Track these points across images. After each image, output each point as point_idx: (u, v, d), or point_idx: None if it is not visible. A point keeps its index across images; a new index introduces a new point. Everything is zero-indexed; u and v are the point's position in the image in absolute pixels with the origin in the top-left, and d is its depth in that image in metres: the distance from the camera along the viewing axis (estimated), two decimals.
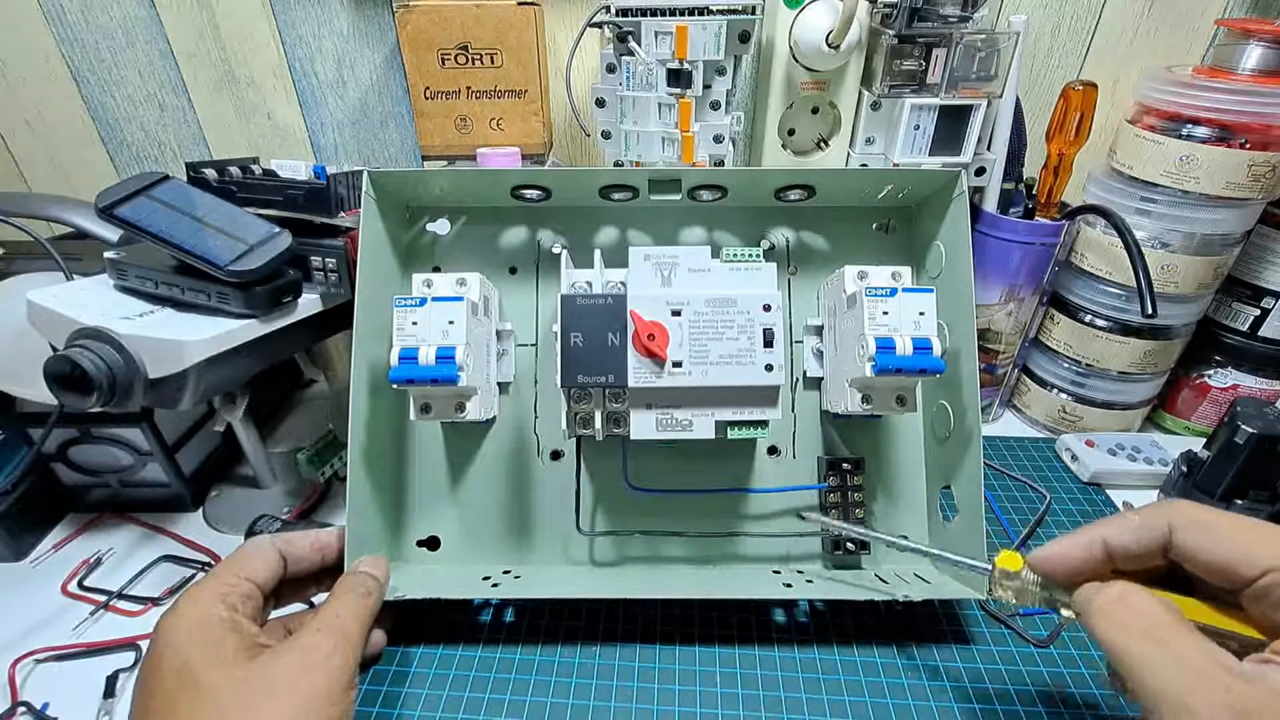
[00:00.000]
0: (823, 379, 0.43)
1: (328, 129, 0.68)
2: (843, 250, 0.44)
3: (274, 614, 0.35)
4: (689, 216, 0.44)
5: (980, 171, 0.54)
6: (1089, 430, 0.58)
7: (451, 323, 0.36)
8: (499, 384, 0.43)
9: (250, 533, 0.44)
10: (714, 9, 0.47)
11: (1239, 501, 0.45)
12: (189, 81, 0.66)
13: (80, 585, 0.44)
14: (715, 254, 0.37)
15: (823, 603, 0.42)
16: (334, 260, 0.44)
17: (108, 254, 0.42)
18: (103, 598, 0.43)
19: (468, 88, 0.56)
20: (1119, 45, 0.60)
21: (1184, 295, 0.51)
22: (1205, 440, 0.48)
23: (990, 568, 0.31)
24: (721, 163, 0.52)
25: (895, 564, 0.43)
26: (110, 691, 0.38)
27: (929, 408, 0.43)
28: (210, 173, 0.47)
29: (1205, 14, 0.58)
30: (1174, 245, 0.50)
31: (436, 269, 0.44)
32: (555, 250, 0.44)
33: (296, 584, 0.36)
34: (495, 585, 0.40)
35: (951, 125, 0.51)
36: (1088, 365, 0.56)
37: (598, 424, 0.37)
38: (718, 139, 0.51)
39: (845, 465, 0.42)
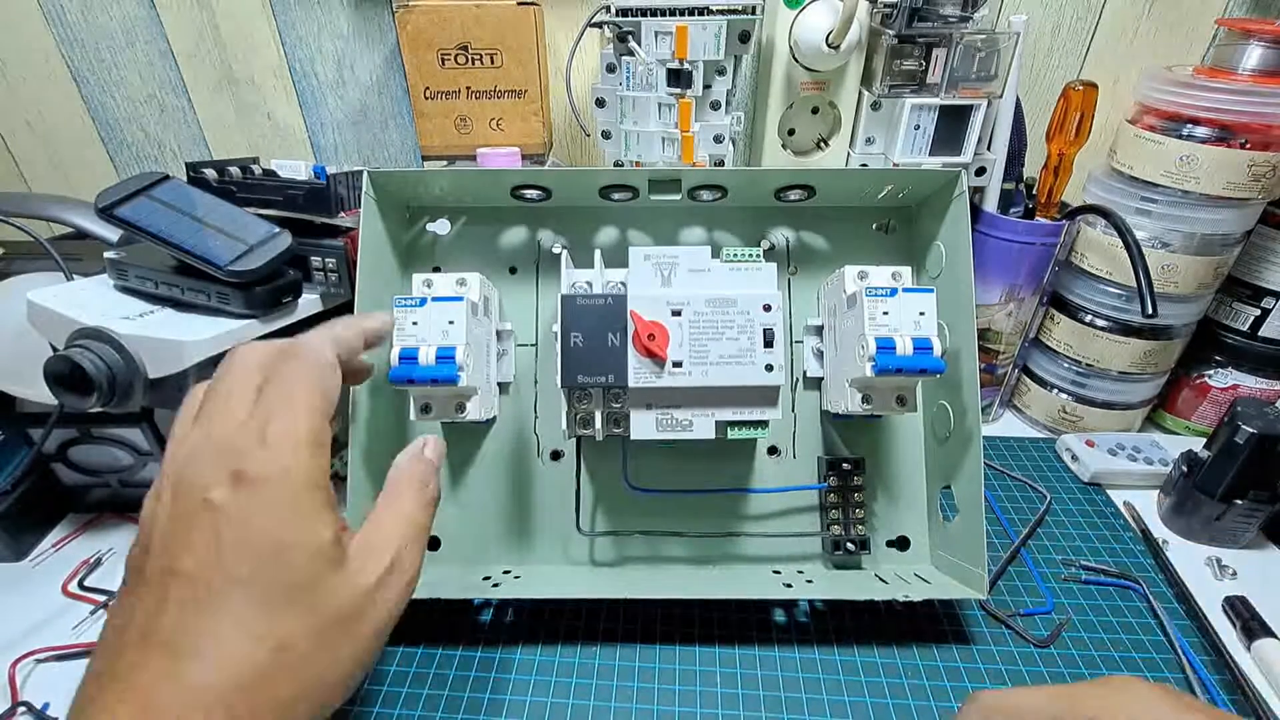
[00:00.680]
0: (823, 379, 0.43)
1: (328, 129, 0.68)
2: (843, 250, 0.44)
3: None
4: (689, 216, 0.44)
5: (980, 171, 0.54)
6: (1089, 430, 0.58)
7: (451, 323, 0.36)
8: (499, 384, 0.43)
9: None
10: (714, 9, 0.47)
11: (1239, 501, 0.45)
12: (189, 81, 0.66)
13: (80, 585, 0.44)
14: (715, 254, 0.37)
15: (823, 603, 0.42)
16: (334, 260, 0.44)
17: (108, 254, 0.42)
18: (103, 598, 0.43)
19: (468, 88, 0.56)
20: (1119, 45, 0.60)
21: (1184, 295, 0.51)
22: (1205, 440, 0.48)
23: None
24: (721, 163, 0.52)
25: (895, 564, 0.43)
26: None
27: (929, 408, 0.43)
28: (210, 173, 0.47)
29: (1205, 14, 0.58)
30: (1174, 245, 0.50)
31: (436, 269, 0.44)
32: (555, 250, 0.44)
33: None
34: (495, 585, 0.40)
35: (951, 125, 0.51)
36: (1088, 365, 0.56)
37: (598, 424, 0.37)
38: (718, 139, 0.51)
39: (845, 465, 0.42)
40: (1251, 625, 0.41)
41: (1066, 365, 0.57)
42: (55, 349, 0.37)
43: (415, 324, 0.36)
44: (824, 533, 0.43)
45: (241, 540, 0.22)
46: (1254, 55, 0.47)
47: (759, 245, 0.44)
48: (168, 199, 0.42)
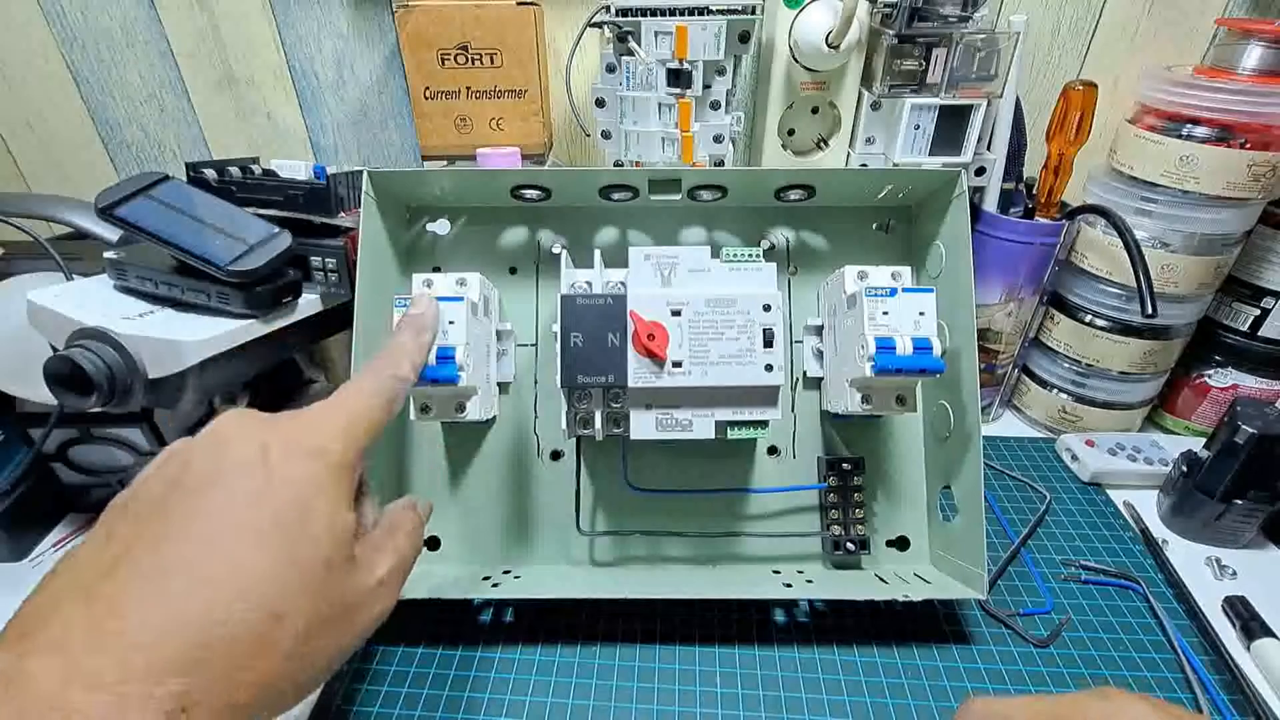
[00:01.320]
0: (823, 379, 0.43)
1: (328, 129, 0.68)
2: (843, 250, 0.44)
3: None
4: (689, 216, 0.44)
5: (980, 171, 0.54)
6: (1089, 430, 0.58)
7: (451, 323, 0.36)
8: (499, 384, 0.43)
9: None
10: (714, 9, 0.47)
11: (1239, 501, 0.45)
12: (189, 81, 0.66)
13: None
14: (715, 254, 0.37)
15: (823, 603, 0.42)
16: (334, 260, 0.44)
17: (108, 254, 0.42)
18: None
19: (468, 88, 0.56)
20: (1119, 45, 0.60)
21: (1184, 295, 0.51)
22: (1205, 440, 0.48)
23: None
24: (721, 163, 0.52)
25: (895, 564, 0.43)
26: None
27: (929, 408, 0.43)
28: (210, 173, 0.47)
29: (1205, 14, 0.58)
30: (1174, 245, 0.50)
31: (436, 269, 0.44)
32: (555, 250, 0.44)
33: None
34: (495, 585, 0.40)
35: (951, 125, 0.51)
36: (1088, 365, 0.56)
37: (598, 424, 0.37)
38: (718, 139, 0.51)
39: (845, 465, 0.42)
40: (1251, 625, 0.41)
41: (1066, 365, 0.57)
42: (55, 349, 0.37)
43: None
44: (824, 533, 0.43)
45: (271, 493, 0.22)
46: (1254, 55, 0.47)
47: (759, 245, 0.44)
48: (167, 199, 0.42)
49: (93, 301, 0.40)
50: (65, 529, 0.49)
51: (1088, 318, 0.55)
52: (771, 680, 0.38)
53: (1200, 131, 0.47)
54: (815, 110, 0.55)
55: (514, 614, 0.42)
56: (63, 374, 0.35)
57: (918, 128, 0.52)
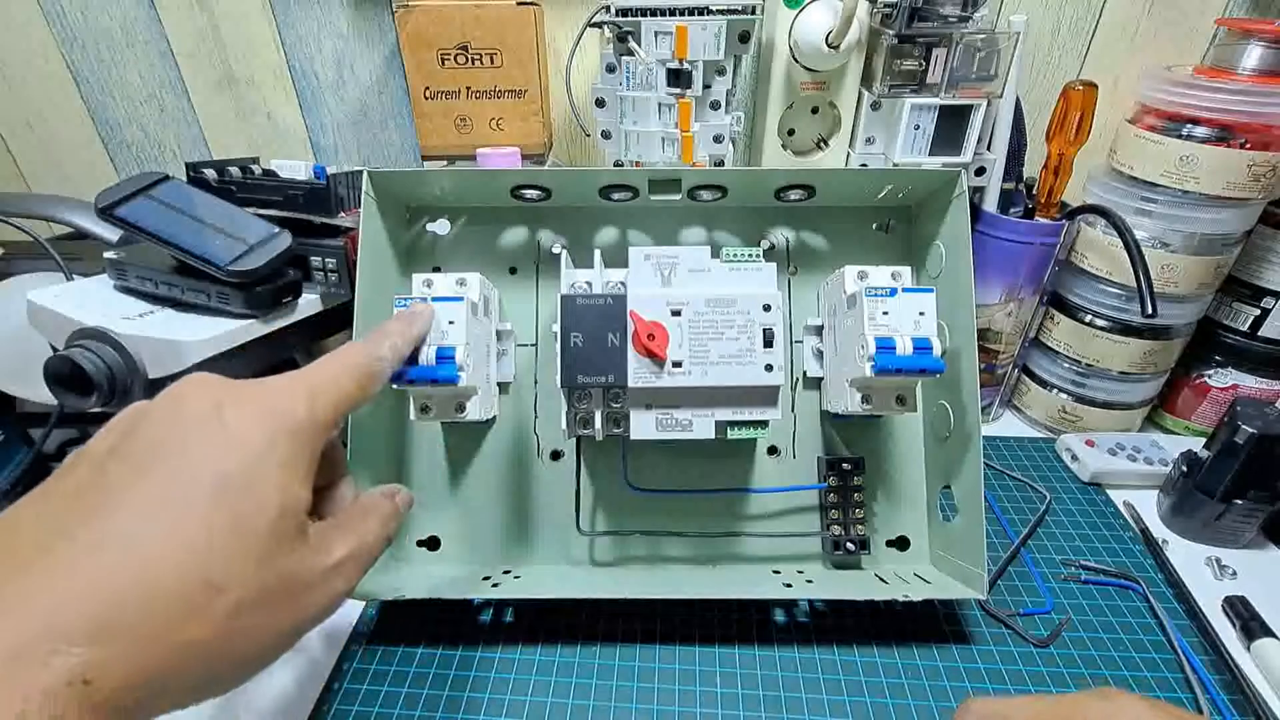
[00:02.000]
0: (823, 379, 0.43)
1: (328, 129, 0.68)
2: (843, 250, 0.44)
3: None
4: (689, 216, 0.44)
5: (980, 171, 0.54)
6: (1089, 430, 0.58)
7: (451, 323, 0.36)
8: (499, 384, 0.43)
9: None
10: (714, 9, 0.47)
11: (1239, 501, 0.45)
12: (189, 81, 0.66)
13: None
14: (715, 254, 0.37)
15: (823, 603, 0.42)
16: (334, 260, 0.44)
17: (108, 254, 0.42)
18: None
19: (468, 88, 0.56)
20: (1119, 45, 0.60)
21: (1184, 295, 0.51)
22: (1205, 440, 0.48)
23: None
24: (721, 163, 0.52)
25: (895, 564, 0.43)
26: None
27: (929, 408, 0.43)
28: (210, 173, 0.47)
29: (1205, 14, 0.58)
30: (1174, 245, 0.50)
31: (436, 269, 0.44)
32: (555, 250, 0.44)
33: None
34: (495, 585, 0.40)
35: (951, 125, 0.51)
36: (1088, 365, 0.56)
37: (598, 424, 0.37)
38: (718, 139, 0.51)
39: (845, 465, 0.42)
40: (1251, 625, 0.41)
41: (1066, 365, 0.57)
42: (55, 349, 0.37)
43: None
44: (824, 533, 0.43)
45: (220, 452, 0.21)
46: (1254, 55, 0.47)
47: (759, 245, 0.44)
48: (167, 199, 0.42)
49: (93, 301, 0.40)
50: None
51: (1088, 318, 0.55)
52: (771, 680, 0.38)
53: (1200, 131, 0.47)
54: (815, 110, 0.55)
55: (514, 614, 0.42)
56: (63, 374, 0.35)
57: (918, 128, 0.52)
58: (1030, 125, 0.55)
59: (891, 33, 0.49)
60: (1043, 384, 0.59)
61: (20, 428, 0.46)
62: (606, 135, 0.53)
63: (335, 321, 0.48)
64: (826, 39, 0.48)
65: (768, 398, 0.36)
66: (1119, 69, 0.61)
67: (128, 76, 0.66)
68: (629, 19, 0.47)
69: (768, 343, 0.35)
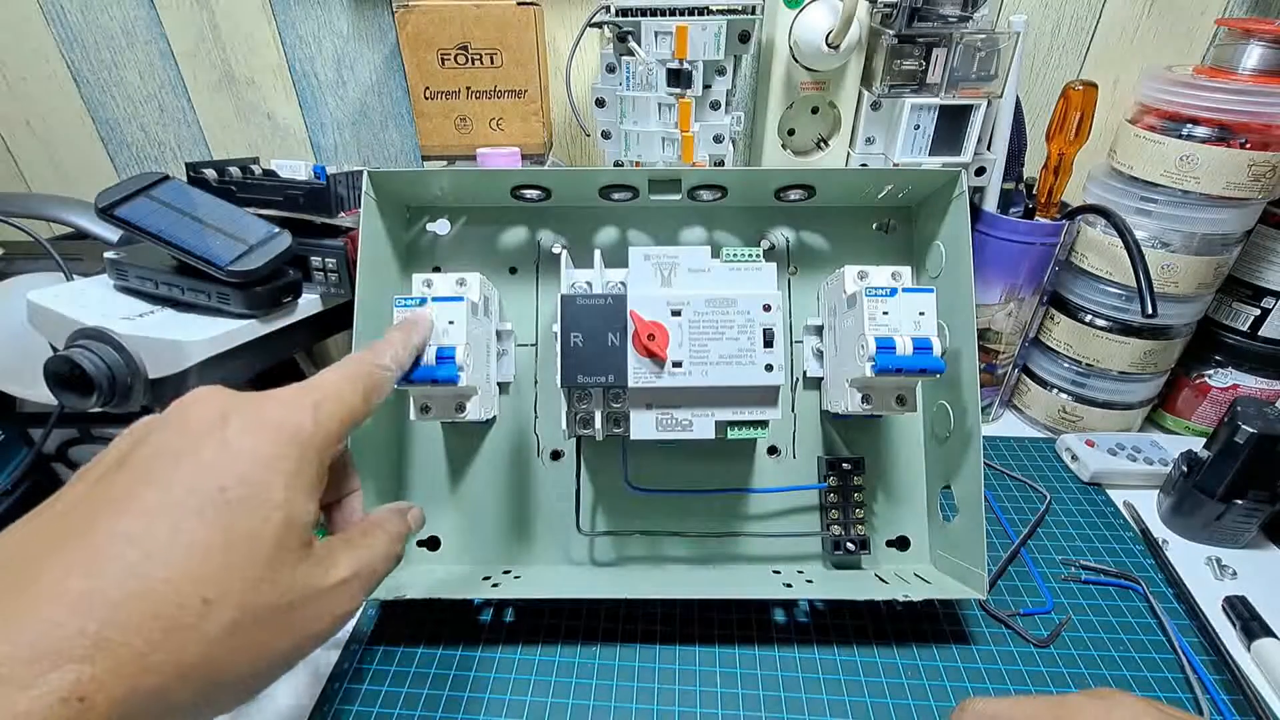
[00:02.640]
0: (823, 379, 0.43)
1: (328, 129, 0.68)
2: (843, 250, 0.44)
3: None
4: (689, 216, 0.44)
5: (980, 171, 0.54)
6: (1089, 430, 0.58)
7: (451, 323, 0.36)
8: (499, 384, 0.43)
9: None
10: (714, 9, 0.47)
11: (1239, 501, 0.45)
12: (189, 81, 0.66)
13: None
14: (715, 254, 0.37)
15: (823, 603, 0.42)
16: (334, 260, 0.44)
17: (108, 254, 0.42)
18: None
19: (468, 88, 0.56)
20: (1119, 45, 0.60)
21: (1184, 295, 0.51)
22: (1205, 440, 0.48)
23: None
24: (721, 163, 0.52)
25: (895, 564, 0.43)
26: None
27: (929, 408, 0.43)
28: (210, 173, 0.47)
29: (1205, 14, 0.58)
30: (1174, 245, 0.50)
31: (436, 269, 0.44)
32: (555, 250, 0.44)
33: None
34: (495, 585, 0.40)
35: (951, 125, 0.51)
36: (1088, 365, 0.56)
37: (598, 424, 0.37)
38: (718, 139, 0.51)
39: (845, 465, 0.42)
40: (1251, 625, 0.41)
41: (1066, 365, 0.57)
42: (55, 349, 0.37)
43: None
44: (824, 533, 0.43)
45: (221, 464, 0.20)
46: (1254, 55, 0.47)
47: (759, 245, 0.44)
48: (168, 199, 0.42)
49: (93, 301, 0.40)
50: None
51: (1088, 318, 0.55)
52: (771, 680, 0.38)
53: (1200, 131, 0.47)
54: (815, 110, 0.55)
55: (514, 614, 0.42)
56: (63, 374, 0.35)
57: (918, 128, 0.52)
58: (1030, 125, 0.55)
59: (891, 33, 0.49)
60: (1043, 384, 0.59)
61: (20, 428, 0.46)
62: (606, 135, 0.53)
63: (335, 321, 0.48)
64: (826, 39, 0.48)
65: (768, 398, 0.36)
66: (1119, 69, 0.61)
67: (128, 76, 0.66)
68: (629, 19, 0.47)
69: (768, 343, 0.35)
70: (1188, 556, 0.47)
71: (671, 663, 0.39)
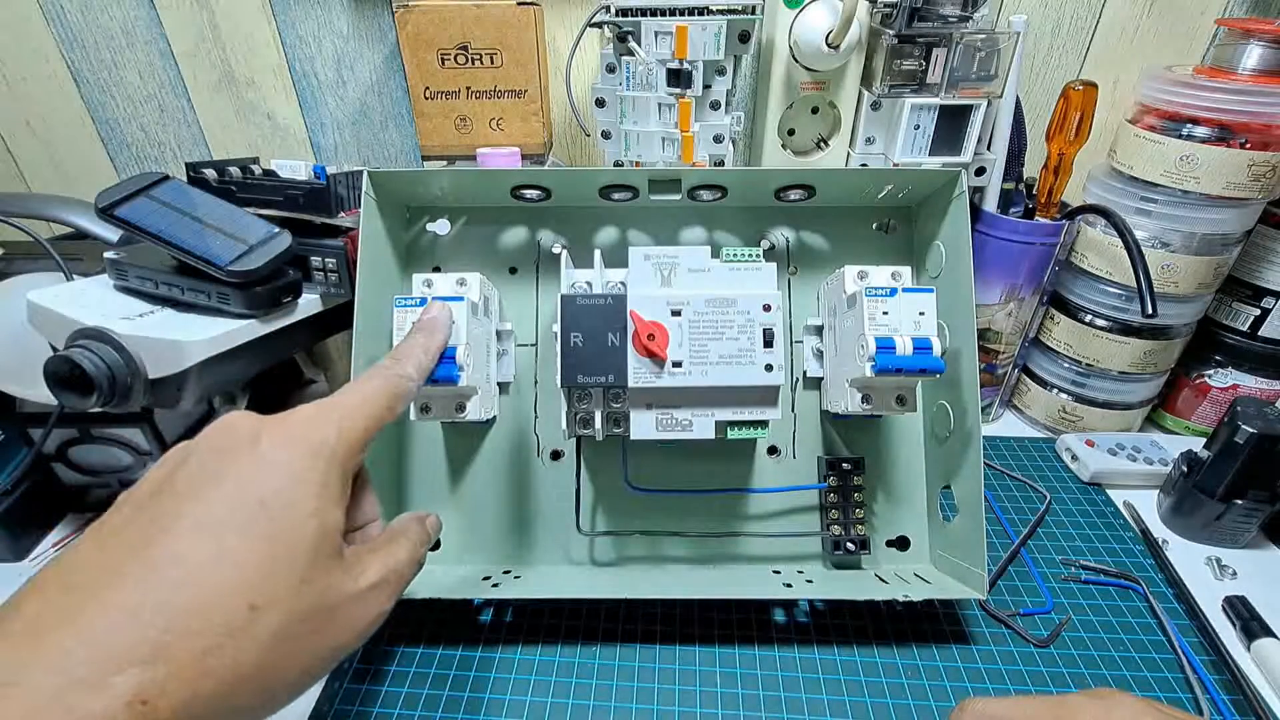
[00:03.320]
0: (823, 379, 0.43)
1: (328, 129, 0.68)
2: (843, 250, 0.44)
3: None
4: (689, 216, 0.44)
5: (980, 171, 0.54)
6: (1089, 430, 0.58)
7: (452, 323, 0.36)
8: (499, 384, 0.43)
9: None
10: (714, 9, 0.47)
11: (1239, 501, 0.45)
12: (189, 81, 0.66)
13: None
14: (715, 254, 0.37)
15: (823, 603, 0.42)
16: (334, 260, 0.44)
17: (108, 254, 0.42)
18: None
19: (468, 88, 0.56)
20: (1119, 45, 0.60)
21: (1184, 295, 0.51)
22: (1205, 440, 0.48)
23: None
24: (721, 163, 0.52)
25: (895, 564, 0.43)
26: None
27: (929, 408, 0.43)
28: (210, 173, 0.47)
29: (1205, 14, 0.58)
30: (1174, 245, 0.50)
31: (436, 269, 0.44)
32: (555, 250, 0.44)
33: None
34: (495, 585, 0.40)
35: (951, 125, 0.51)
36: (1088, 365, 0.56)
37: (598, 424, 0.37)
38: (718, 139, 0.51)
39: (845, 465, 0.42)
40: (1251, 625, 0.41)
41: (1066, 365, 0.57)
42: (55, 349, 0.37)
43: None
44: (824, 533, 0.43)
45: (257, 479, 0.22)
46: (1254, 55, 0.47)
47: (759, 245, 0.44)
48: (168, 199, 0.42)
49: (93, 301, 0.40)
50: (65, 529, 0.49)
51: (1088, 318, 0.55)
52: (771, 680, 0.38)
53: (1200, 131, 0.47)
54: (815, 110, 0.55)
55: (514, 614, 0.42)
56: (63, 374, 0.35)
57: (918, 128, 0.52)
58: (1030, 125, 0.55)
59: (891, 33, 0.49)
60: (1043, 384, 0.59)
61: (20, 428, 0.46)
62: (606, 135, 0.53)
63: (335, 321, 0.48)
64: (826, 39, 0.48)
65: (768, 398, 0.36)
66: (1119, 69, 0.61)
67: (128, 76, 0.66)
68: (629, 19, 0.47)
69: (768, 343, 0.35)
70: (1188, 556, 0.47)
71: (671, 663, 0.39)
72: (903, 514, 0.44)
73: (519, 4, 0.54)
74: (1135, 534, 0.49)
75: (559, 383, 0.35)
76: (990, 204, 0.55)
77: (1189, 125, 0.47)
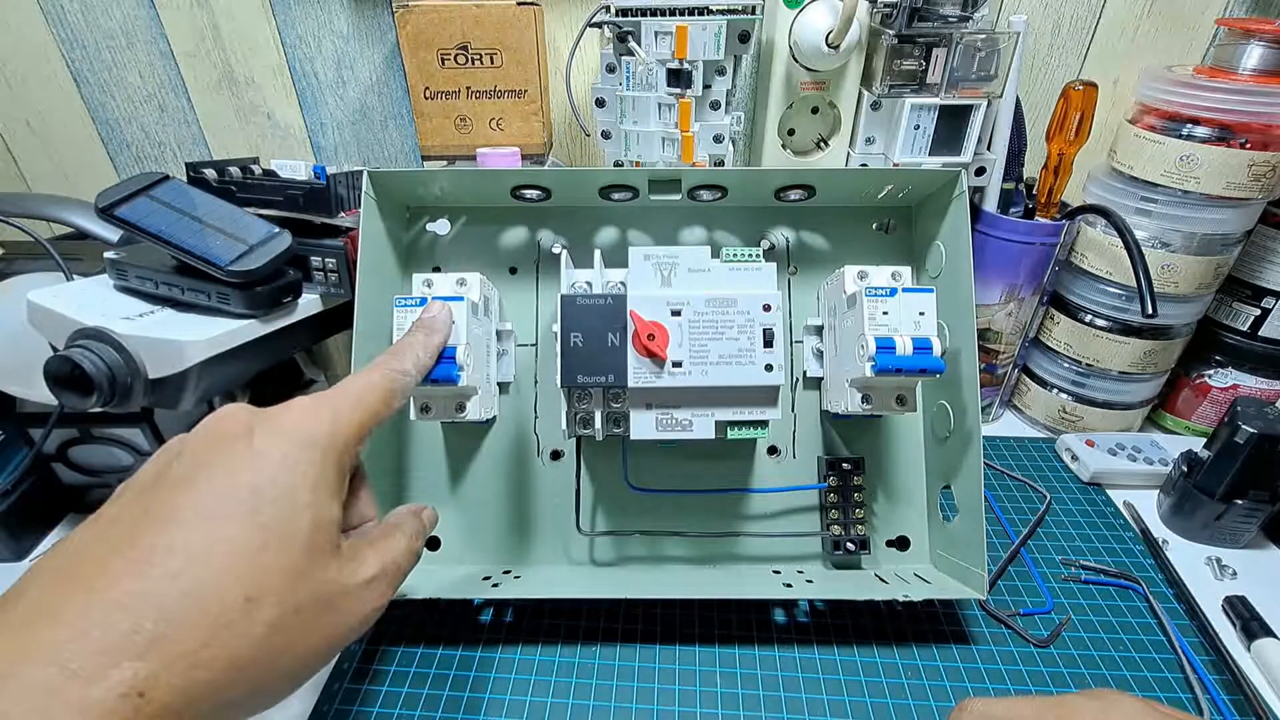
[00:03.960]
0: (823, 379, 0.43)
1: (328, 129, 0.68)
2: (843, 250, 0.44)
3: None
4: (689, 216, 0.44)
5: (980, 171, 0.54)
6: (1089, 430, 0.58)
7: (452, 323, 0.36)
8: (499, 384, 0.43)
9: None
10: (714, 9, 0.47)
11: (1239, 501, 0.45)
12: (189, 81, 0.66)
13: None
14: (715, 254, 0.37)
15: (823, 603, 0.42)
16: (334, 260, 0.44)
17: (108, 254, 0.42)
18: None
19: (468, 88, 0.56)
20: (1119, 45, 0.60)
21: (1184, 295, 0.51)
22: (1205, 440, 0.48)
23: None
24: (721, 163, 0.52)
25: (895, 564, 0.43)
26: None
27: (929, 408, 0.43)
28: (210, 173, 0.47)
29: (1205, 14, 0.58)
30: (1174, 245, 0.50)
31: (436, 269, 0.44)
32: (555, 250, 0.44)
33: None
34: (495, 585, 0.40)
35: (951, 125, 0.51)
36: (1088, 365, 0.56)
37: (598, 424, 0.37)
38: (718, 139, 0.51)
39: (845, 465, 0.42)
40: (1251, 625, 0.41)
41: (1066, 365, 0.57)
42: (55, 349, 0.37)
43: None
44: (824, 532, 0.43)
45: (251, 472, 0.22)
46: (1254, 55, 0.47)
47: (759, 245, 0.44)
48: (168, 199, 0.42)
49: (93, 301, 0.40)
50: (65, 529, 0.49)
51: (1088, 318, 0.55)
52: (771, 680, 0.38)
53: (1200, 131, 0.47)
54: (815, 110, 0.55)
55: (514, 614, 0.42)
56: (63, 374, 0.35)
57: (918, 128, 0.52)
58: (1030, 125, 0.55)
59: (891, 33, 0.49)
60: (1043, 384, 0.59)
61: (20, 428, 0.46)
62: (606, 135, 0.53)
63: (335, 321, 0.48)
64: (826, 39, 0.48)
65: (768, 398, 0.36)
66: (1119, 69, 0.61)
67: (128, 76, 0.66)
68: (629, 19, 0.47)
69: (768, 343, 0.35)
70: (1188, 556, 0.47)
71: (671, 663, 0.39)
72: (903, 514, 0.44)
73: (519, 4, 0.54)
74: (1135, 534, 0.49)
75: (559, 383, 0.35)
76: (990, 204, 0.55)
77: (1189, 125, 0.47)
